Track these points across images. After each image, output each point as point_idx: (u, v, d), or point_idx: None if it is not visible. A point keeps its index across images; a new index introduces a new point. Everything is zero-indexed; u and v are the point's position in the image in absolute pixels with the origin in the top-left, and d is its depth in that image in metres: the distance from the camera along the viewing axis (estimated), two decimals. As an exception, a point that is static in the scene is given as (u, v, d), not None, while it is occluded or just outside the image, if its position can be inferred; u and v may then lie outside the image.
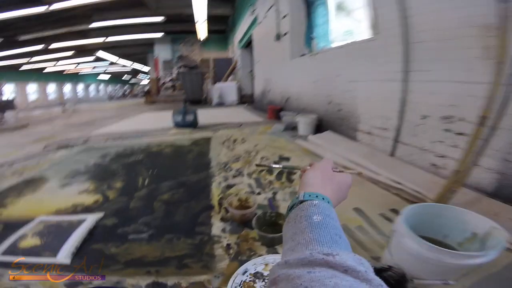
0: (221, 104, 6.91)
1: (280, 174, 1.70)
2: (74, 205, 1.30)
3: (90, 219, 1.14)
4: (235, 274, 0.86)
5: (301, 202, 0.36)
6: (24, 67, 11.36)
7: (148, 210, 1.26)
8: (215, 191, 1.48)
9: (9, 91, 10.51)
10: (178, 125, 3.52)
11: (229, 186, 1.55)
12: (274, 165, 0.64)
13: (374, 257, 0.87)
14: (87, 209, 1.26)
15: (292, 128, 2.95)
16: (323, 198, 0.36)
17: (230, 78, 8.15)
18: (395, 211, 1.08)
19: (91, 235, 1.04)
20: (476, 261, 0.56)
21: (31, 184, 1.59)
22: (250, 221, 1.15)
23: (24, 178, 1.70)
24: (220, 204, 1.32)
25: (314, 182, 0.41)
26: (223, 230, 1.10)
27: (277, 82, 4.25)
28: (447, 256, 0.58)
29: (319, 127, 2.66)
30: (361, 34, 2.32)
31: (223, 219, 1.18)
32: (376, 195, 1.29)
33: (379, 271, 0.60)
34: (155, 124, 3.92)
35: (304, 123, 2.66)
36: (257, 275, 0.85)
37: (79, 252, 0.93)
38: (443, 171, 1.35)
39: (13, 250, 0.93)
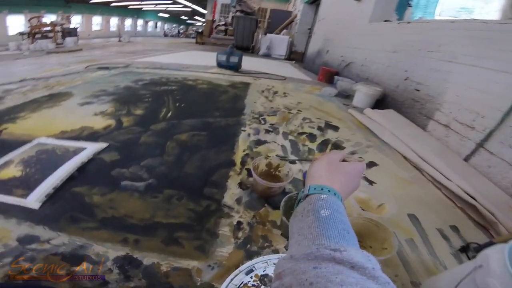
0: (267, 55, 6.30)
1: (324, 143, 1.30)
2: (82, 127, 1.10)
3: (90, 150, 0.92)
4: (236, 271, 0.58)
5: (307, 195, 0.33)
6: (93, 0, 11.62)
7: (158, 150, 1.00)
8: (241, 144, 1.16)
9: (76, 21, 10.89)
10: (220, 65, 3.18)
11: (259, 142, 1.21)
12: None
13: (414, 282, 0.62)
14: (94, 135, 1.05)
15: (346, 96, 2.43)
16: (328, 191, 0.33)
17: (283, 31, 7.36)
18: (456, 229, 0.82)
19: (80, 171, 0.81)
20: None
21: (54, 98, 1.44)
22: (275, 197, 0.83)
23: (51, 92, 1.55)
24: (243, 163, 1.01)
25: (320, 174, 0.37)
26: (238, 201, 0.80)
27: (340, 44, 3.52)
28: None
29: (379, 103, 2.12)
30: (484, 15, 1.88)
31: (241, 185, 0.88)
32: (437, 204, 0.95)
33: None
34: (198, 62, 3.63)
35: (364, 93, 2.11)
36: (264, 280, 0.57)
37: (55, 195, 0.72)
38: None
39: None
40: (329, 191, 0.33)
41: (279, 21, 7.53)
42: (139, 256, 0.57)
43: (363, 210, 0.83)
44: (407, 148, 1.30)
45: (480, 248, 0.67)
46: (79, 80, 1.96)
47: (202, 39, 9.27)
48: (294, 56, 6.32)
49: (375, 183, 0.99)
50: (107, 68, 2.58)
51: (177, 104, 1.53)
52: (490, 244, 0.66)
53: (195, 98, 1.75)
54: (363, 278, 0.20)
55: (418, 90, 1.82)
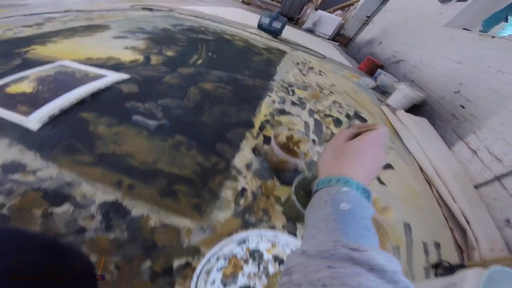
0: (311, 30, 5.49)
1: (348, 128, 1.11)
2: (109, 58, 0.97)
3: (110, 78, 0.79)
4: (228, 239, 0.48)
5: (317, 191, 0.28)
6: None
7: (179, 92, 0.86)
8: (264, 109, 0.99)
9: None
10: (261, 27, 2.80)
11: (283, 112, 1.03)
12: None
13: None
14: (119, 66, 0.92)
15: (383, 92, 2.11)
16: (337, 181, 0.27)
17: (337, 12, 6.40)
18: (438, 246, 0.77)
19: (93, 97, 0.70)
20: None
21: (91, 28, 1.30)
22: (286, 173, 0.69)
23: (90, 23, 1.41)
24: (261, 128, 0.85)
25: (325, 164, 0.31)
26: (248, 167, 0.66)
27: (398, 39, 2.97)
28: None
29: (415, 109, 1.82)
30: None
31: (255, 150, 0.73)
32: (433, 219, 0.87)
33: None
34: (240, 19, 3.27)
35: (404, 94, 1.79)
36: (254, 255, 0.48)
37: (60, 117, 0.60)
38: (509, 233, 0.88)
39: None
40: (338, 181, 0.27)
41: (336, 1, 6.59)
42: (128, 204, 0.47)
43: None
44: (427, 162, 1.16)
45: (450, 267, 0.63)
46: (121, 17, 1.79)
47: (249, -1, 8.51)
48: (340, 39, 5.54)
49: (385, 185, 0.86)
50: (151, 9, 2.37)
51: (210, 54, 1.35)
52: (461, 266, 0.63)
53: (228, 52, 1.54)
54: (381, 282, 0.16)
55: (463, 107, 1.52)
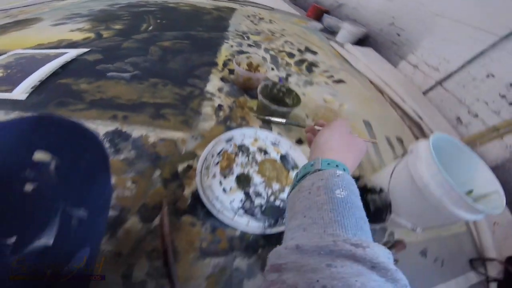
0: None
1: (301, 61, 1.23)
2: (60, 40, 0.97)
3: (72, 53, 0.83)
4: (216, 138, 0.59)
5: (305, 175, 0.25)
6: None
7: (141, 52, 0.92)
8: (224, 52, 1.07)
9: None
10: (205, -11, 2.72)
11: (241, 52, 1.12)
12: (274, 119, 0.49)
13: (361, 175, 0.62)
14: (73, 45, 0.94)
15: (331, 32, 2.29)
16: (344, 169, 0.24)
17: None
18: (401, 141, 0.90)
19: (64, 68, 0.75)
20: (468, 217, 0.45)
21: (21, 23, 1.23)
22: (253, 90, 0.81)
23: (15, 19, 1.32)
24: (225, 65, 0.95)
25: (332, 147, 0.28)
26: (220, 90, 0.78)
27: None
28: (458, 202, 0.43)
29: (361, 42, 2.09)
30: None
31: (223, 79, 0.84)
32: (390, 118, 1.03)
33: (366, 190, 0.52)
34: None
35: (348, 30, 2.02)
36: (242, 148, 0.60)
37: (41, 87, 0.66)
38: (462, 129, 1.11)
39: None
40: (344, 169, 0.25)
41: None
42: (127, 129, 0.57)
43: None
44: (375, 76, 1.35)
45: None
46: (46, 8, 1.66)
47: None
48: None
49: (340, 94, 1.03)
50: (79, -4, 2.18)
51: (158, 21, 1.36)
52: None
53: (177, 17, 1.54)
54: (383, 281, 0.16)
55: (399, 35, 1.82)
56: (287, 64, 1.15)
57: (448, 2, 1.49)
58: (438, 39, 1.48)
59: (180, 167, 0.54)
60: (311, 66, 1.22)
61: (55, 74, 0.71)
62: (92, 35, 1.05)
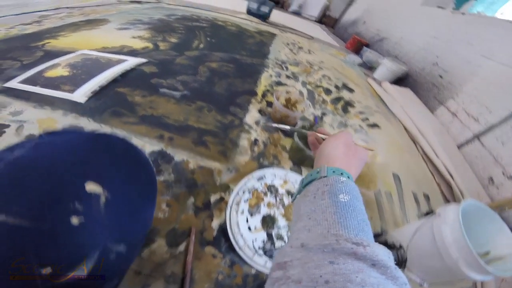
0: (297, 13, 5.44)
1: (337, 99, 1.24)
2: (122, 46, 1.06)
3: (131, 62, 0.90)
4: (249, 175, 0.60)
5: (311, 181, 0.26)
6: None
7: (191, 70, 0.97)
8: (263, 81, 1.11)
9: None
10: (250, 12, 2.86)
11: (279, 83, 1.15)
12: (280, 126, 0.47)
13: (383, 229, 0.64)
14: (133, 53, 1.01)
15: (369, 67, 2.22)
16: (348, 177, 0.25)
17: None
18: (428, 198, 0.84)
19: (123, 76, 0.81)
20: (478, 278, 0.44)
21: (91, 22, 1.36)
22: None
23: (88, 18, 1.46)
24: (263, 95, 0.98)
25: (337, 156, 0.29)
26: (257, 123, 0.80)
27: (380, 18, 3.09)
28: (472, 264, 0.43)
29: (399, 81, 1.98)
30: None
31: (261, 112, 0.87)
32: (420, 173, 0.97)
33: (389, 246, 0.52)
34: (226, 5, 3.27)
35: (388, 67, 1.91)
36: (271, 188, 0.60)
37: (100, 92, 0.71)
38: (493, 190, 0.98)
39: (36, 78, 0.72)
40: (348, 177, 0.26)
41: None
42: (171, 152, 0.60)
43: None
44: (410, 122, 1.28)
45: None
46: (114, 11, 1.83)
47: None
48: (326, 20, 5.41)
49: (373, 140, 1.00)
50: (139, 2, 2.38)
51: (208, 39, 1.44)
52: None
53: (224, 37, 1.63)
54: (383, 278, 0.16)
55: (441, 77, 1.67)
56: (323, 101, 1.17)
57: (499, 43, 1.36)
58: (482, 84, 1.34)
59: (213, 198, 0.55)
60: (347, 106, 1.22)
61: (114, 81, 0.77)
62: (150, 45, 1.14)
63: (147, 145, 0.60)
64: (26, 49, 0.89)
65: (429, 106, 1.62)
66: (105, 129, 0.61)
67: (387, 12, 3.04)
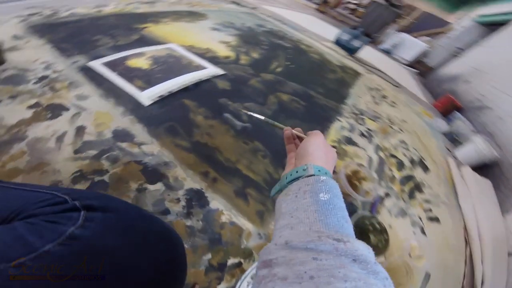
0: (388, 52, 5.04)
1: (408, 178, 1.02)
2: (208, 49, 1.06)
3: (209, 71, 0.87)
4: None
5: (292, 181, 0.27)
6: None
7: (260, 98, 0.90)
8: (333, 133, 0.97)
9: None
10: (338, 42, 2.68)
11: (350, 141, 1.00)
12: (254, 114, 0.40)
13: None
14: (215, 60, 1.00)
15: (454, 139, 1.84)
16: (326, 173, 0.27)
17: (422, 38, 5.72)
18: None
19: (196, 86, 0.77)
20: None
21: (192, 15, 1.44)
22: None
23: (191, 9, 1.55)
24: (328, 152, 0.84)
25: (320, 155, 0.29)
26: (312, 190, 0.67)
27: (490, 83, 2.51)
28: None
29: (483, 168, 1.55)
30: None
31: (320, 174, 0.74)
32: (453, 274, 0.79)
33: None
34: (314, 29, 3.20)
35: (477, 150, 1.53)
36: None
37: (167, 98, 0.68)
38: None
39: (118, 63, 0.73)
40: (326, 173, 0.27)
41: (425, 26, 5.91)
42: (209, 196, 0.52)
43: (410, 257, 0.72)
44: (474, 223, 1.05)
45: None
46: (215, 7, 1.92)
47: (324, 8, 8.16)
48: (419, 66, 4.82)
49: (426, 236, 0.83)
50: (238, 3, 2.48)
51: (287, 63, 1.37)
52: None
53: (304, 64, 1.54)
54: (364, 273, 0.17)
55: None
56: (392, 178, 0.97)
57: None
58: None
59: (231, 261, 0.46)
60: (415, 190, 1.00)
61: (185, 89, 0.74)
62: (233, 55, 1.11)
63: (189, 179, 0.53)
64: (127, 29, 0.94)
65: (504, 206, 1.26)
66: (155, 145, 0.56)
67: (503, 78, 2.43)
